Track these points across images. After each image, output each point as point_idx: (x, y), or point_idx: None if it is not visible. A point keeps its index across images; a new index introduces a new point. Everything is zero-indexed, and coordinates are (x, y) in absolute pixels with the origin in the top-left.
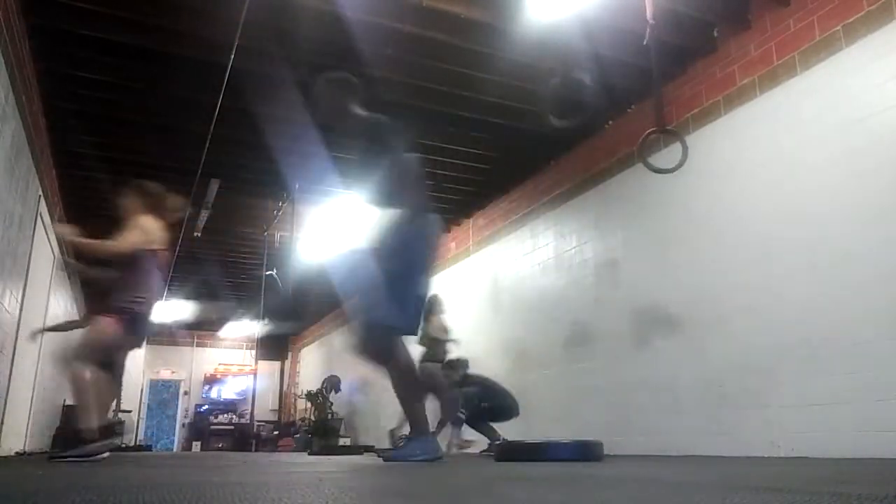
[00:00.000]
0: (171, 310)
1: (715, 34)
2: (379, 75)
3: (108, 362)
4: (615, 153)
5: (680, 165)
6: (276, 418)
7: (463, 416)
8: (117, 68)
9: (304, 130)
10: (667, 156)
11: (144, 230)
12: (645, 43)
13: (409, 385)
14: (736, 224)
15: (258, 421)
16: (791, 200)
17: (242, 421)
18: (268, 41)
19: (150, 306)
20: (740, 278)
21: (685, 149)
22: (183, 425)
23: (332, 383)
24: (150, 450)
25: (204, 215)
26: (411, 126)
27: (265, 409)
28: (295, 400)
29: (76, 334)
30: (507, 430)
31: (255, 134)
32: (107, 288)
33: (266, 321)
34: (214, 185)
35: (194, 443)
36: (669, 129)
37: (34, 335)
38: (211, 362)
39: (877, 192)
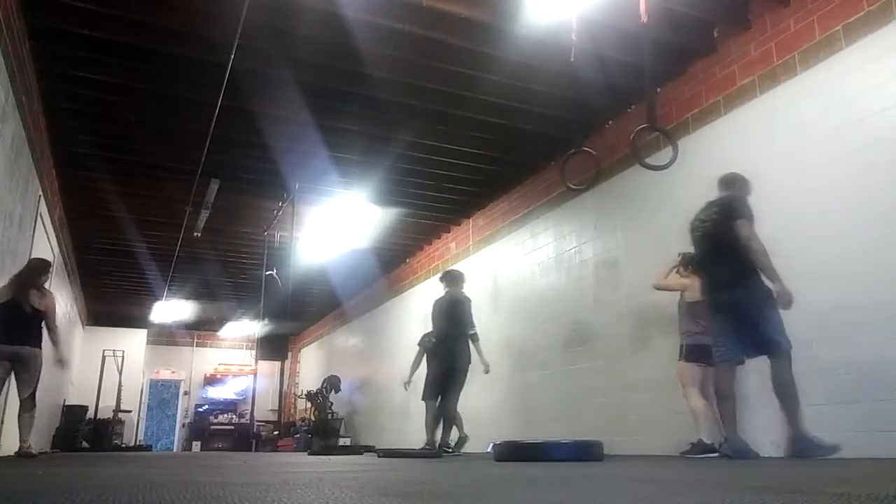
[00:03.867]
0: (171, 310)
1: (715, 34)
2: (379, 75)
3: None
4: (615, 153)
5: (671, 163)
6: (276, 418)
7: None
8: (117, 68)
9: (304, 130)
10: (666, 155)
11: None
12: (645, 20)
13: None
14: None
15: (258, 421)
16: (791, 200)
17: (242, 421)
18: (268, 41)
19: None
20: None
21: (675, 147)
22: (183, 425)
23: (332, 383)
24: (150, 450)
25: (204, 215)
26: (411, 126)
27: (265, 409)
28: (295, 400)
29: None
30: (505, 430)
31: (255, 134)
32: None
33: (266, 321)
34: (214, 185)
35: (194, 443)
36: (659, 127)
37: None
38: (211, 362)
39: (877, 191)
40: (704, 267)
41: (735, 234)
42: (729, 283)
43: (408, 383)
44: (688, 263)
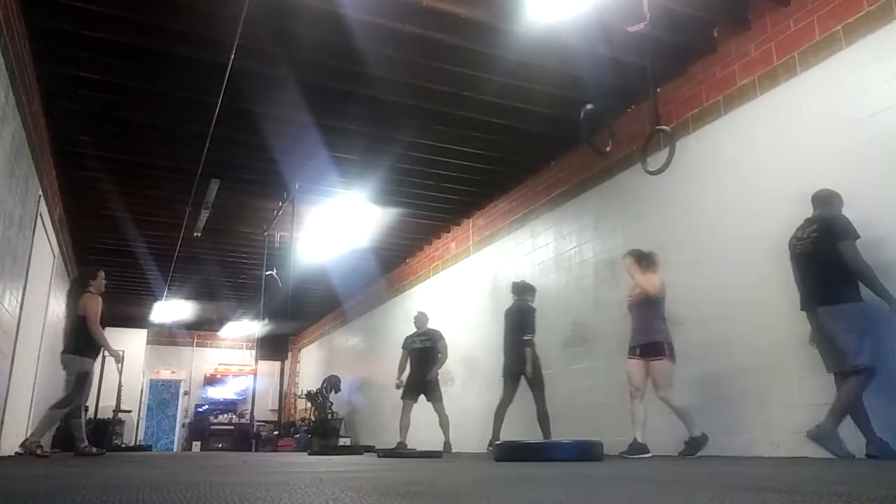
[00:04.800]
0: (171, 310)
1: (715, 34)
2: (379, 75)
3: None
4: (615, 153)
5: (665, 167)
6: (276, 418)
7: None
8: (117, 68)
9: (304, 130)
10: (665, 155)
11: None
12: (644, 25)
13: None
14: (736, 223)
15: (258, 421)
16: (790, 200)
17: (242, 421)
18: (268, 41)
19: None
20: (740, 277)
21: (672, 150)
22: (183, 425)
23: (332, 383)
24: (150, 450)
25: (204, 215)
26: (411, 126)
27: (265, 409)
28: (295, 400)
29: None
30: (506, 430)
31: (255, 134)
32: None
33: (266, 321)
34: (214, 185)
35: (194, 443)
36: (661, 128)
37: None
38: (211, 362)
39: (876, 191)
40: (805, 283)
41: (839, 254)
42: (829, 301)
43: (399, 383)
44: (642, 260)
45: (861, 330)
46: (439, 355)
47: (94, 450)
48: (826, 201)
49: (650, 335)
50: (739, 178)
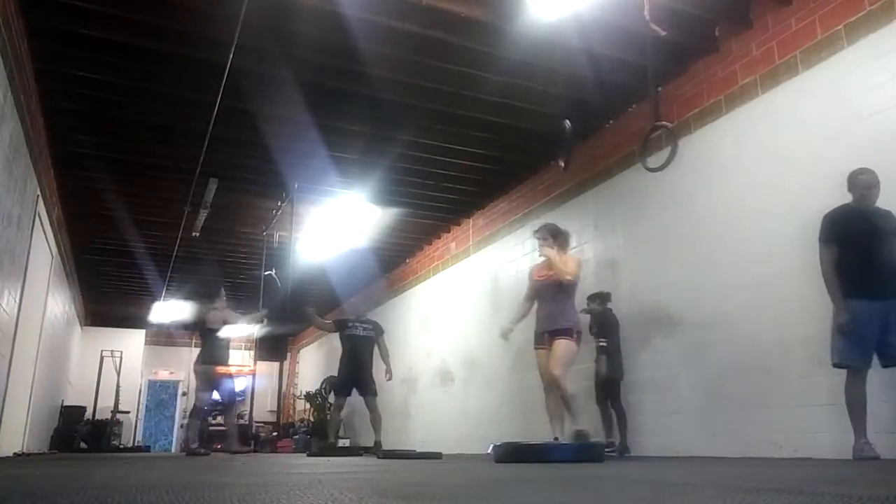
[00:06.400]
0: (169, 310)
1: (716, 33)
2: (378, 75)
3: None
4: (615, 153)
5: (666, 164)
6: (275, 419)
7: None
8: (117, 68)
9: (303, 130)
10: (666, 154)
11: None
12: (651, 31)
13: None
14: (737, 223)
15: (257, 422)
16: (792, 199)
17: (241, 422)
18: (268, 41)
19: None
20: (741, 277)
21: (674, 147)
22: (181, 426)
23: (331, 384)
24: (149, 451)
25: (203, 215)
26: (411, 126)
27: (264, 409)
28: (294, 401)
29: None
30: (506, 431)
31: (255, 134)
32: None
33: (265, 321)
34: (213, 185)
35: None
36: (662, 125)
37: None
38: None
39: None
40: None
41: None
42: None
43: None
44: (558, 235)
45: (834, 328)
46: (380, 350)
47: (203, 450)
48: (849, 187)
49: (562, 321)
50: (741, 178)
